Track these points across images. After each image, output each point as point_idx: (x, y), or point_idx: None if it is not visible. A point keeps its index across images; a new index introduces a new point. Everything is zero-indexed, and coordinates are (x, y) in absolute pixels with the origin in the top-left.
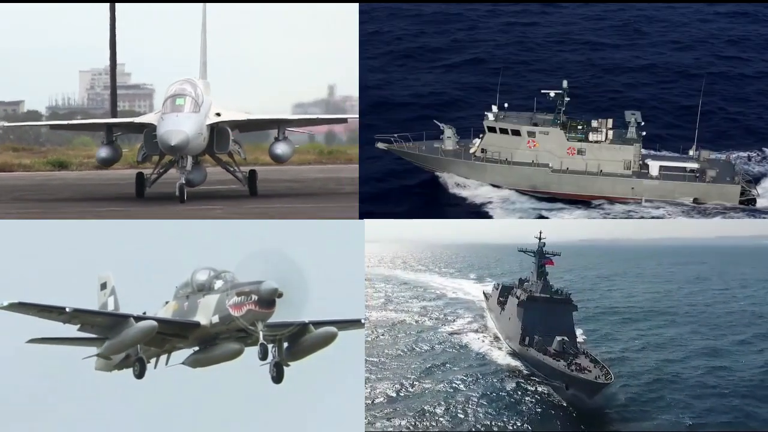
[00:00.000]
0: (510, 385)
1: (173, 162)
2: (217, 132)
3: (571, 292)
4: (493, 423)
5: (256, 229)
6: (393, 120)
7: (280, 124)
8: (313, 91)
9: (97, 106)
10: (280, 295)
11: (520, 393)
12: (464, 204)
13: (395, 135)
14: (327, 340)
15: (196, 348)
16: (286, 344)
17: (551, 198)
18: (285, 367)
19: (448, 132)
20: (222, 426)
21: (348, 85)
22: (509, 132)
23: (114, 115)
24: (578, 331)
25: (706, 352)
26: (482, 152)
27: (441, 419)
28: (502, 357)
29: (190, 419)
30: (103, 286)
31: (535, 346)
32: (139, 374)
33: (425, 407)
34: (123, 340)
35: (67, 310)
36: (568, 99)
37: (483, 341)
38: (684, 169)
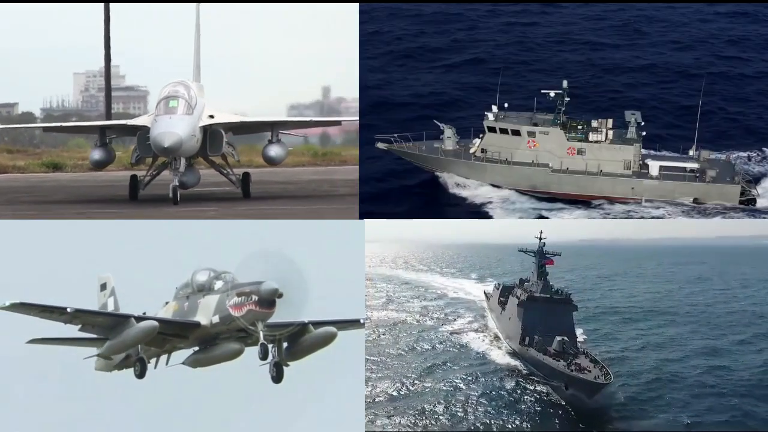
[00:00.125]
0: (509, 384)
1: (166, 164)
2: (211, 134)
3: (572, 292)
4: (492, 422)
5: (256, 229)
6: (393, 120)
7: (273, 126)
8: (308, 93)
9: (91, 108)
10: (281, 296)
11: (519, 392)
12: (464, 204)
13: (395, 135)
14: (326, 340)
15: (196, 348)
16: (285, 344)
17: (551, 198)
18: (284, 367)
19: (448, 132)
20: (222, 426)
21: (342, 86)
22: (509, 132)
23: (108, 117)
24: (578, 331)
25: (706, 351)
26: (482, 152)
27: (441, 417)
28: (501, 356)
29: (190, 419)
30: (103, 287)
31: (535, 346)
32: (140, 374)
33: (425, 406)
34: (124, 340)
35: (69, 310)
36: (568, 99)
37: (483, 341)
38: (684, 169)
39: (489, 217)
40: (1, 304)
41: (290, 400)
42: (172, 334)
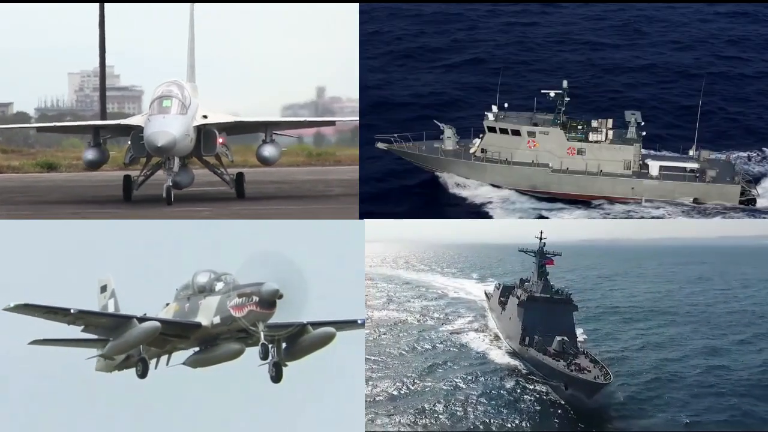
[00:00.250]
0: (509, 384)
1: (160, 164)
2: (204, 134)
3: (573, 292)
4: (492, 421)
5: (256, 230)
6: (393, 120)
7: (267, 126)
8: (303, 93)
9: (86, 108)
10: (281, 297)
11: (519, 391)
12: (464, 204)
13: (395, 135)
14: (325, 340)
15: (197, 349)
16: (284, 344)
17: (551, 198)
18: (283, 367)
19: (448, 132)
20: (222, 426)
21: (337, 86)
22: (509, 132)
23: (103, 117)
24: (578, 331)
25: (706, 351)
26: (482, 152)
27: (441, 416)
28: (501, 356)
29: (190, 419)
30: (103, 288)
31: (535, 346)
32: (142, 374)
33: (425, 405)
34: (127, 341)
35: (72, 311)
36: (568, 99)
37: (483, 341)
38: (684, 169)
39: (489, 217)
40: (5, 305)
41: (290, 400)
42: (173, 334)
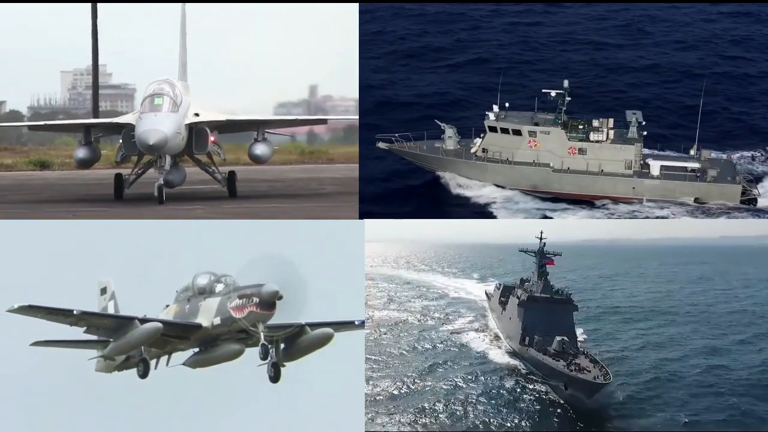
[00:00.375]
0: (509, 383)
1: (152, 162)
2: (196, 132)
3: (573, 292)
4: (491, 420)
5: (255, 230)
6: (396, 120)
7: (259, 125)
8: (296, 92)
9: (78, 106)
10: (281, 298)
11: (518, 390)
12: (467, 204)
13: (396, 135)
14: (323, 341)
15: (197, 349)
16: (282, 345)
17: (554, 198)
18: (281, 368)
19: (449, 132)
20: (222, 426)
21: (330, 85)
22: (510, 132)
23: (96, 115)
24: (579, 331)
25: (706, 351)
26: (483, 152)
27: (441, 416)
28: (501, 356)
29: (190, 419)
30: (103, 290)
31: (535, 346)
32: (143, 374)
33: (425, 404)
34: (129, 342)
35: (75, 312)
36: (569, 99)
37: (483, 340)
38: (685, 168)
39: (492, 217)
40: (9, 306)
41: (290, 400)
42: (173, 335)
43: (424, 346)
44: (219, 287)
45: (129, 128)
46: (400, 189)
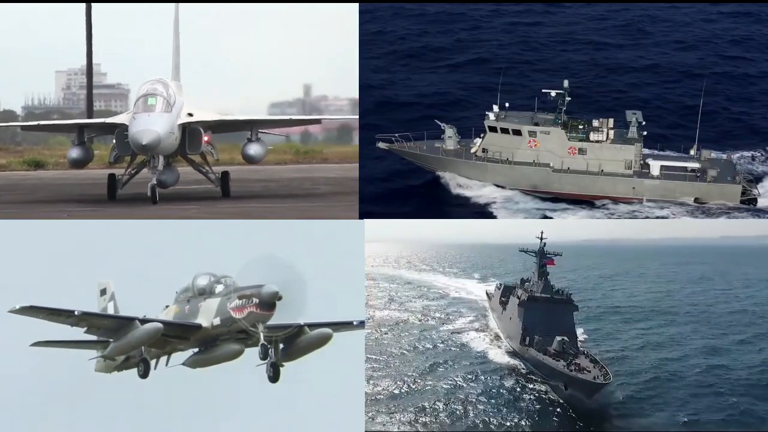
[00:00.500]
0: (509, 383)
1: (145, 162)
2: (189, 132)
3: (574, 291)
4: (491, 419)
5: (255, 230)
6: (396, 120)
7: (252, 125)
8: (291, 91)
9: (73, 106)
10: (280, 298)
11: (518, 390)
12: (467, 204)
13: (396, 135)
14: (321, 341)
15: (196, 349)
16: (281, 345)
17: (554, 198)
18: (280, 368)
19: (449, 132)
20: (221, 426)
21: (326, 84)
22: (510, 132)
23: (90, 115)
24: (579, 331)
25: (706, 351)
26: (483, 152)
27: (441, 415)
28: (501, 356)
29: (189, 419)
30: (103, 291)
31: (535, 346)
32: (144, 374)
33: (425, 404)
34: (129, 342)
35: (76, 313)
36: (569, 99)
37: (483, 340)
38: (685, 168)
39: (493, 217)
40: (11, 307)
41: (291, 399)
42: (173, 335)
43: (424, 346)
44: (219, 288)
45: (122, 128)
46: (400, 189)
